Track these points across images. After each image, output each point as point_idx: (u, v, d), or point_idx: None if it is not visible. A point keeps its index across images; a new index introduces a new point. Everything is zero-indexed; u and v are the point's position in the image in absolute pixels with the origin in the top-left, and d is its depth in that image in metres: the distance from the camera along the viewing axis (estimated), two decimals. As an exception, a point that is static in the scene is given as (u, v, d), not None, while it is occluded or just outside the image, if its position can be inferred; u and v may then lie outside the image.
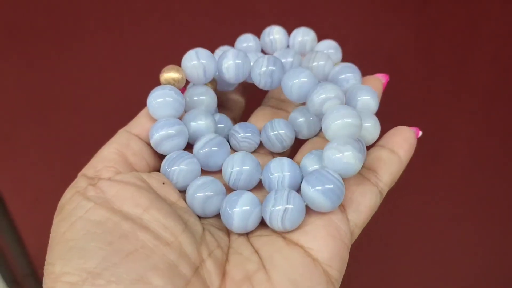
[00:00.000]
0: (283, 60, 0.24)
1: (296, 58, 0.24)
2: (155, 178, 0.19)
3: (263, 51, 0.27)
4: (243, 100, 0.26)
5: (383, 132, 0.21)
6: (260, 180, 0.20)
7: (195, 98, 0.23)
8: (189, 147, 0.21)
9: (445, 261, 0.38)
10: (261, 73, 0.22)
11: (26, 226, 0.36)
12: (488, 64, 0.29)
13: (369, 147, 0.21)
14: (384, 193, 0.20)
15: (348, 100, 0.22)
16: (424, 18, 0.28)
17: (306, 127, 0.23)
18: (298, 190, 0.19)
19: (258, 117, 0.24)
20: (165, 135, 0.20)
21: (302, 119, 0.23)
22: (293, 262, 0.17)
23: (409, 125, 0.22)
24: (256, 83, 0.22)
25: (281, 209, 0.17)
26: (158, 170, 0.21)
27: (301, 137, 0.23)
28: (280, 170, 0.19)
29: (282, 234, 0.18)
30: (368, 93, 0.22)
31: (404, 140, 0.21)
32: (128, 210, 0.17)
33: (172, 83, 0.22)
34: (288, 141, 0.22)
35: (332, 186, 0.17)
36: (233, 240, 0.19)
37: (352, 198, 0.19)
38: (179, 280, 0.16)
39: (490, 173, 0.33)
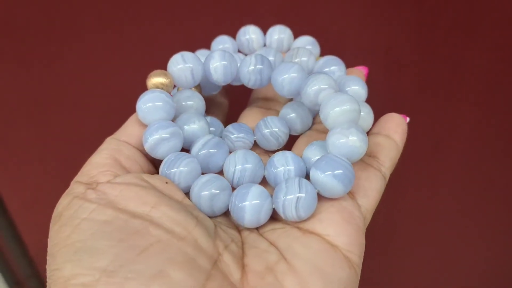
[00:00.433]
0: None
1: (278, 57, 0.24)
2: (157, 178, 0.18)
3: (240, 52, 0.27)
4: (226, 102, 0.26)
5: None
6: (264, 176, 0.20)
7: (184, 103, 0.22)
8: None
9: (448, 255, 0.39)
10: (250, 71, 0.21)
11: (26, 226, 0.36)
12: (489, 54, 0.29)
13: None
14: (387, 178, 0.20)
15: (337, 91, 0.22)
16: (423, 9, 0.28)
17: (299, 122, 0.22)
18: None
19: (248, 118, 0.24)
20: (159, 138, 0.19)
21: (294, 114, 0.22)
22: (314, 250, 0.17)
23: (408, 116, 0.22)
24: (245, 82, 0.22)
25: (293, 197, 0.17)
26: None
27: (294, 132, 0.23)
28: (284, 164, 0.19)
29: (296, 224, 0.18)
30: (357, 83, 0.22)
31: (397, 126, 0.21)
32: (135, 208, 0.16)
33: (161, 87, 0.21)
34: (284, 137, 0.22)
35: (342, 169, 0.17)
36: (245, 236, 0.18)
37: (359, 184, 0.19)
38: (199, 273, 0.15)
39: (492, 165, 0.34)
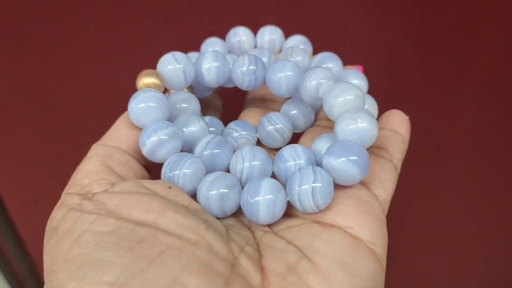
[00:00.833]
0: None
1: (272, 58, 0.24)
2: (159, 183, 0.17)
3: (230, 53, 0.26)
4: (221, 103, 0.25)
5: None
6: (273, 173, 0.19)
7: (178, 106, 0.21)
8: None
9: (449, 255, 0.38)
10: (244, 71, 0.21)
11: (26, 226, 0.35)
12: (492, 52, 0.29)
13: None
14: (399, 170, 0.19)
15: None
16: (426, 8, 0.28)
17: (302, 118, 0.22)
18: None
19: (247, 119, 0.23)
20: (158, 140, 0.18)
21: (296, 111, 0.22)
22: (337, 244, 0.16)
23: (411, 114, 0.22)
24: (239, 84, 0.21)
25: (309, 187, 0.16)
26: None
27: (296, 130, 0.22)
28: (294, 156, 0.18)
29: (314, 218, 0.17)
30: (357, 76, 0.22)
31: (402, 120, 0.21)
32: (138, 217, 0.15)
33: (152, 87, 0.20)
34: (289, 133, 0.21)
35: (357, 153, 0.17)
36: (259, 237, 0.17)
37: (373, 175, 0.18)
38: (217, 278, 0.14)
39: (494, 164, 0.34)
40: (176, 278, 0.13)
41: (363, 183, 0.18)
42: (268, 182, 0.17)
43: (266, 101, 0.24)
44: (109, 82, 0.30)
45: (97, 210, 0.15)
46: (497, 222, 0.37)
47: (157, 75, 0.20)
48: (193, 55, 0.25)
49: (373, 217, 0.17)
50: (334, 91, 0.18)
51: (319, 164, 0.19)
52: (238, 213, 0.18)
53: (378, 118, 0.21)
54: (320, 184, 0.16)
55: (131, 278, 0.13)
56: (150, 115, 0.19)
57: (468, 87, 0.30)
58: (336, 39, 0.26)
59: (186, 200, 0.17)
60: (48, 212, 0.16)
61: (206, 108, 0.25)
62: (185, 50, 0.21)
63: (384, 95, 0.23)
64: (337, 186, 0.17)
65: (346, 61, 0.23)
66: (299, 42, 0.26)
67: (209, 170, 0.19)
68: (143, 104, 0.19)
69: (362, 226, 0.16)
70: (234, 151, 0.20)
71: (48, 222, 0.16)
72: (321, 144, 0.19)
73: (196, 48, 0.26)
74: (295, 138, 0.22)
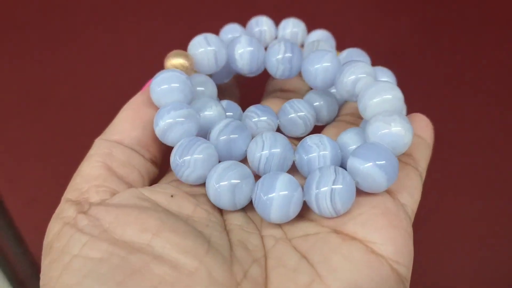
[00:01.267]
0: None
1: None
2: (160, 192, 0.16)
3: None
4: (238, 93, 0.24)
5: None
6: (294, 162, 0.18)
7: (195, 89, 0.20)
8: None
9: (452, 255, 0.38)
10: (279, 59, 0.20)
11: (26, 225, 0.35)
12: (495, 52, 0.28)
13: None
14: (423, 178, 0.18)
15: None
16: (429, 6, 0.28)
17: (326, 109, 0.21)
18: None
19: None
20: (172, 121, 0.17)
21: (320, 102, 0.21)
22: (355, 263, 0.14)
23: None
24: (272, 72, 0.20)
25: (328, 188, 0.15)
26: (154, 178, 0.18)
27: (319, 122, 0.21)
28: (320, 145, 0.17)
29: (333, 227, 0.15)
30: (385, 74, 0.21)
31: (426, 125, 0.19)
32: (133, 238, 0.14)
33: (180, 69, 0.19)
34: (312, 121, 0.20)
35: (387, 159, 0.15)
36: (270, 246, 0.15)
37: (399, 182, 0.17)
38: None
39: (496, 164, 0.33)
40: None
41: (388, 191, 0.16)
42: (284, 178, 0.16)
43: (290, 92, 0.23)
44: (109, 80, 0.30)
45: (90, 229, 0.14)
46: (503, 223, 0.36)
47: (187, 57, 0.19)
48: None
49: (399, 231, 0.15)
50: (370, 90, 0.17)
51: (343, 159, 0.18)
52: (247, 208, 0.17)
53: None
54: (340, 186, 0.15)
55: None
56: (171, 96, 0.18)
57: (472, 87, 0.30)
58: (336, 39, 0.26)
59: (189, 208, 0.16)
60: (48, 210, 0.16)
61: (222, 95, 0.23)
62: (185, 50, 0.20)
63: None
64: (360, 193, 0.16)
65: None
66: (322, 37, 0.25)
67: (225, 157, 0.18)
68: (164, 85, 0.18)
69: (387, 241, 0.15)
70: (253, 138, 0.18)
71: (45, 235, 0.15)
72: (348, 138, 0.18)
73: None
74: (316, 131, 0.21)
